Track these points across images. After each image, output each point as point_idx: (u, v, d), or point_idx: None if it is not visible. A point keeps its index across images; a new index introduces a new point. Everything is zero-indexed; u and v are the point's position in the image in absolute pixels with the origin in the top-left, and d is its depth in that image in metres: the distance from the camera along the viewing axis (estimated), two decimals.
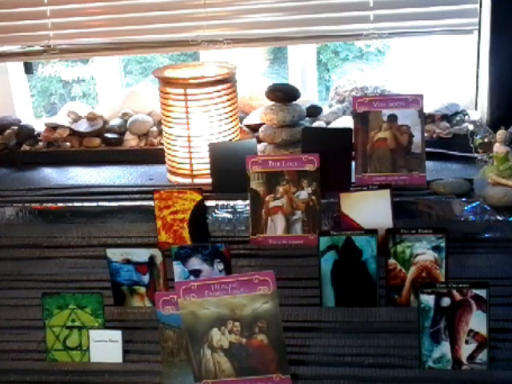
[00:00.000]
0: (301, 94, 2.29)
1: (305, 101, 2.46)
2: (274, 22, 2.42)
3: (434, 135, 2.37)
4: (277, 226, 2.03)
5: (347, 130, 2.14)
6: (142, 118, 2.59)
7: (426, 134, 2.20)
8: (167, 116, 2.26)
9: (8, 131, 2.63)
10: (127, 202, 2.21)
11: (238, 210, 2.11)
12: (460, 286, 1.49)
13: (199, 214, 2.07)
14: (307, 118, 2.40)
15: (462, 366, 1.51)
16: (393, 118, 2.11)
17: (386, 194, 1.93)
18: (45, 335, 1.67)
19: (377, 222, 1.85)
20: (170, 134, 2.27)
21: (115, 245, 2.08)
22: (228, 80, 2.23)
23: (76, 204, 2.24)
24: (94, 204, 2.23)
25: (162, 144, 2.40)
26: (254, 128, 2.49)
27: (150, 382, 1.57)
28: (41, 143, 2.61)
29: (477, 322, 1.49)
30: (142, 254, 1.80)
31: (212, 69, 2.28)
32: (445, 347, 1.51)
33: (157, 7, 2.46)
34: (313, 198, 2.01)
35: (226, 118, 2.25)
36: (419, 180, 2.10)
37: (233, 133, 2.29)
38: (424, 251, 1.71)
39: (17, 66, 2.81)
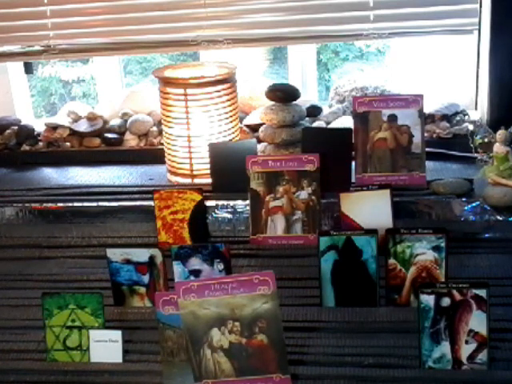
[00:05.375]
0: (301, 93, 2.28)
1: (305, 101, 2.46)
2: (274, 22, 2.42)
3: (434, 135, 2.37)
4: (277, 226, 2.03)
5: (347, 130, 2.14)
6: (142, 118, 2.59)
7: (426, 134, 2.19)
8: (167, 116, 2.26)
9: (8, 131, 2.64)
10: (127, 202, 2.21)
11: (238, 210, 2.11)
12: (460, 286, 1.49)
13: (199, 214, 2.07)
14: (307, 118, 2.40)
15: (462, 366, 1.51)
16: (393, 118, 2.11)
17: (386, 194, 1.93)
18: (45, 335, 1.67)
19: (377, 222, 1.85)
20: (170, 134, 2.27)
21: (115, 245, 2.08)
22: (228, 80, 2.23)
23: (76, 204, 2.24)
24: (94, 204, 2.23)
25: (162, 144, 2.40)
26: (254, 128, 2.49)
27: (150, 382, 1.57)
28: (41, 143, 2.61)
29: (477, 321, 1.49)
30: (142, 254, 1.80)
31: (212, 69, 2.28)
32: (445, 347, 1.51)
33: (157, 7, 2.46)
34: (313, 198, 2.01)
35: (226, 118, 2.25)
36: (419, 180, 2.10)
37: (233, 133, 2.29)
38: (424, 251, 1.70)
39: (17, 66, 2.80)
